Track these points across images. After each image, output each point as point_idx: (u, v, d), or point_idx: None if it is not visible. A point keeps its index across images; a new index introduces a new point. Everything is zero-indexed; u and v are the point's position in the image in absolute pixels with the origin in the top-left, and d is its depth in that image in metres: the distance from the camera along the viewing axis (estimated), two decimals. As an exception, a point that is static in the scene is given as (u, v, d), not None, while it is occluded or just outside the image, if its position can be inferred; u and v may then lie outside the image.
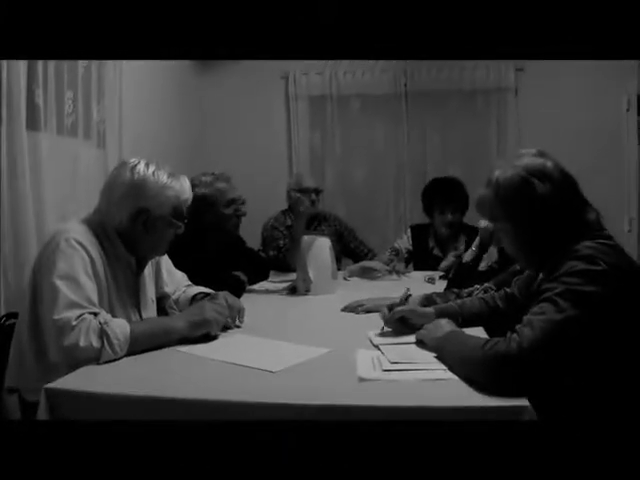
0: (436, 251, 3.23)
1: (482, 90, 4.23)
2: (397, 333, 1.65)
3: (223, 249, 2.59)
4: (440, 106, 4.29)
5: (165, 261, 1.99)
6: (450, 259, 2.97)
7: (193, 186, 2.62)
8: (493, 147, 4.24)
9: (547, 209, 1.33)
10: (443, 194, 3.17)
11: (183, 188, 1.73)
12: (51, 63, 2.34)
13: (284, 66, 4.33)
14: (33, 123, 2.24)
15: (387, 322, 1.67)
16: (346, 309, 2.03)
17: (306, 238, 2.48)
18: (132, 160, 1.70)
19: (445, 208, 3.13)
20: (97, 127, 2.78)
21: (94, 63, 2.72)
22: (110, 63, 2.82)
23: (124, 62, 2.93)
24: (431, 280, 2.71)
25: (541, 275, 1.54)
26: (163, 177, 1.68)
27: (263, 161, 4.33)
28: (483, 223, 2.43)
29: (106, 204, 1.67)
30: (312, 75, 4.36)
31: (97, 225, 1.65)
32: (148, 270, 1.85)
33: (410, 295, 1.80)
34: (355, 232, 3.54)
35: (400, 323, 1.67)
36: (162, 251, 1.83)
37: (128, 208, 1.64)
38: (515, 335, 1.18)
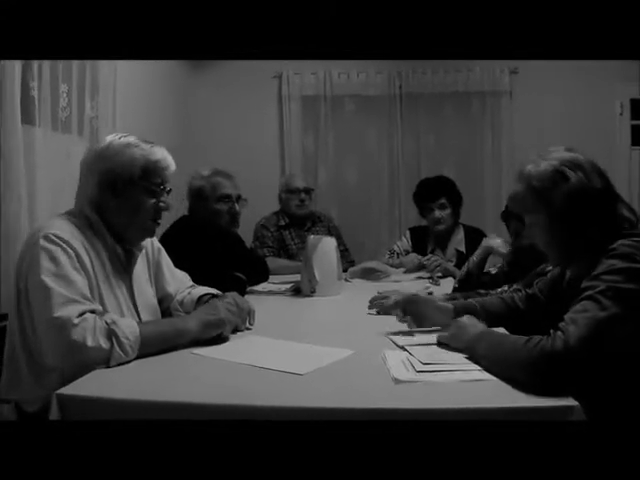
0: (437, 252, 3.20)
1: (477, 92, 4.21)
2: (411, 322, 1.63)
3: (220, 247, 2.51)
4: (435, 108, 4.26)
5: (165, 259, 1.89)
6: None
7: (192, 178, 2.58)
8: (488, 149, 4.22)
9: (581, 197, 1.33)
10: (428, 193, 3.20)
11: (153, 150, 1.59)
12: (46, 55, 2.26)
13: (277, 66, 4.26)
14: (28, 117, 2.16)
15: (402, 306, 1.65)
16: (372, 302, 1.91)
17: (312, 238, 2.42)
18: None
19: (432, 206, 3.15)
20: (90, 123, 2.69)
21: (88, 58, 2.65)
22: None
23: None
24: (435, 281, 2.67)
25: (568, 274, 1.51)
26: (129, 138, 1.58)
27: (255, 161, 4.23)
28: (491, 241, 2.48)
29: (79, 182, 1.59)
30: (306, 75, 4.29)
31: (78, 214, 1.55)
32: (145, 269, 1.75)
33: (431, 293, 1.76)
34: (342, 237, 3.46)
35: (416, 311, 1.64)
36: (145, 228, 1.62)
37: (95, 174, 1.55)
38: (560, 333, 1.14)
